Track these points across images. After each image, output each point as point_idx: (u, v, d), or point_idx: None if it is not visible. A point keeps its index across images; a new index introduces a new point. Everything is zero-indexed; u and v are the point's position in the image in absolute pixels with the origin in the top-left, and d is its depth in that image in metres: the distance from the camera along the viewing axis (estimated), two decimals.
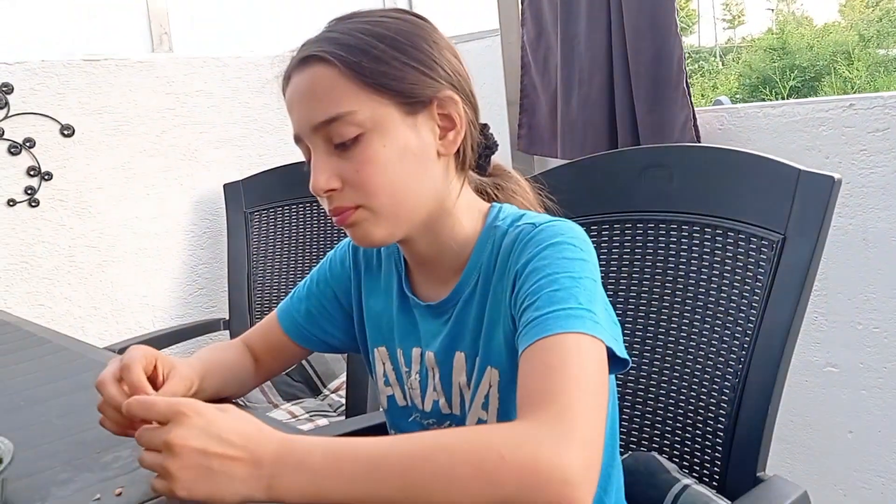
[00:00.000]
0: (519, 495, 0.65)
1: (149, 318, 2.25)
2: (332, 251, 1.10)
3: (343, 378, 2.00)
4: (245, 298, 2.16)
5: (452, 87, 0.86)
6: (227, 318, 2.19)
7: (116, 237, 2.21)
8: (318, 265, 1.12)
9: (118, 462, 0.87)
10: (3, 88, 2.00)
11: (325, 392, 2.09)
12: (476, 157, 0.93)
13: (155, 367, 0.90)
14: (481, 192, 0.96)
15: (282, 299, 1.14)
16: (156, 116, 2.27)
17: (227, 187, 2.26)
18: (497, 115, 2.25)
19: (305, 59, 0.84)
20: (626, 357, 0.77)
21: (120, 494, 0.79)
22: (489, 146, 0.95)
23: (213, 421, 0.68)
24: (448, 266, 0.92)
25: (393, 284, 1.00)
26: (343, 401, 2.01)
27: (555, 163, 2.14)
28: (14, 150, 2.03)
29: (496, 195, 0.97)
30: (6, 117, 2.01)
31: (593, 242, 1.22)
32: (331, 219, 0.88)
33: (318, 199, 0.87)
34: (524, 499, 0.65)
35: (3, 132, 2.01)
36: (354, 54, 0.82)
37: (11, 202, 2.03)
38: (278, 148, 2.49)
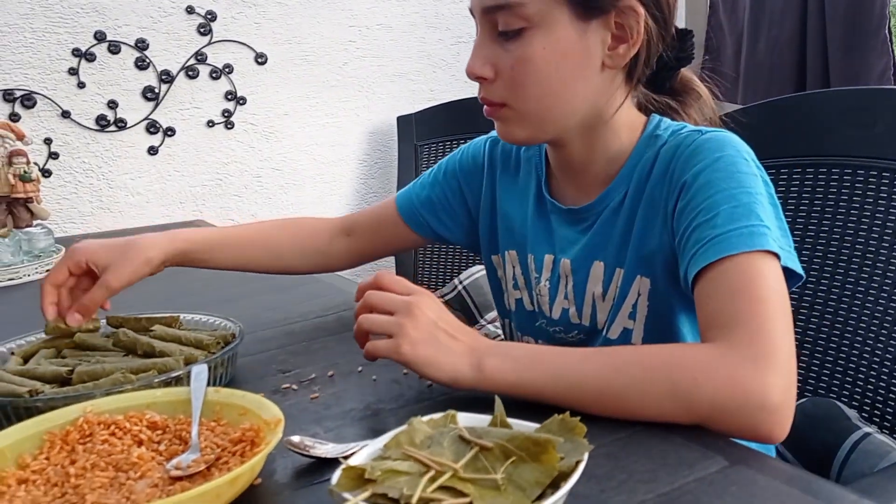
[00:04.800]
0: (712, 418, 0.67)
1: None
2: (467, 144, 1.10)
3: None
4: None
5: None
6: None
7: (298, 161, 2.36)
8: (449, 156, 1.12)
9: (326, 350, 0.97)
10: (208, 16, 2.17)
11: (482, 322, 2.16)
12: (654, 71, 0.89)
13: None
14: (647, 106, 0.92)
15: None
16: (338, 48, 2.38)
17: (400, 120, 2.35)
18: None
19: None
20: (802, 273, 0.76)
21: (332, 376, 0.88)
22: (681, 58, 0.90)
23: (445, 309, 0.77)
24: (597, 173, 0.91)
25: (530, 188, 0.99)
26: (500, 331, 2.09)
27: (732, 108, 2.07)
28: (215, 74, 2.20)
29: (668, 113, 0.93)
30: (209, 43, 2.18)
31: (781, 187, 1.20)
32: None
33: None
34: (718, 422, 0.67)
35: (206, 57, 2.18)
36: None
37: (210, 123, 2.21)
38: (450, 84, 2.54)
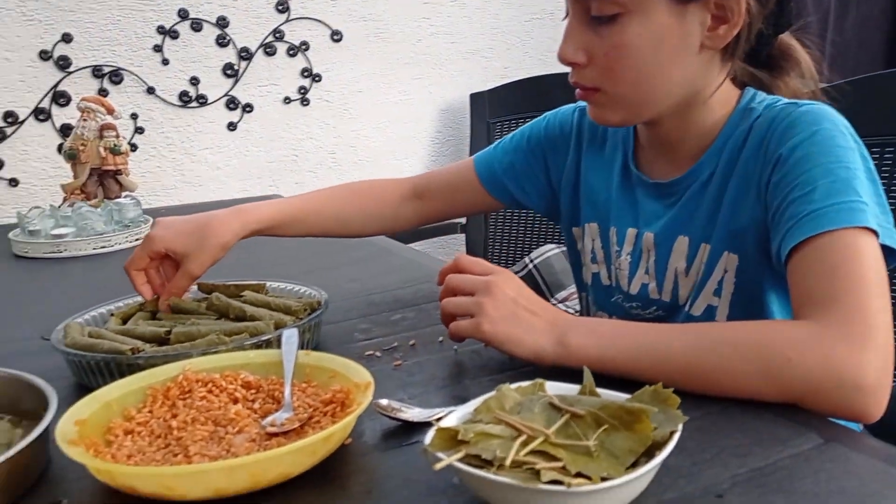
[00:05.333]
0: (805, 397, 0.66)
1: None
2: (553, 112, 1.08)
3: (571, 289, 2.05)
4: None
5: None
6: (464, 222, 2.31)
7: (371, 138, 2.39)
8: (532, 122, 1.10)
9: (406, 321, 0.99)
10: None
11: (553, 301, 2.16)
12: (753, 45, 0.86)
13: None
14: (741, 79, 0.89)
15: None
16: (412, 25, 2.39)
17: (473, 97, 2.35)
18: None
19: None
20: None
21: (414, 345, 0.90)
22: (779, 24, 0.86)
23: (524, 286, 0.78)
24: (688, 148, 0.90)
25: (616, 161, 0.98)
26: (570, 311, 2.08)
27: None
28: (292, 52, 2.24)
29: (764, 84, 0.89)
30: (287, 21, 2.21)
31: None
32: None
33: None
34: (811, 402, 0.66)
35: (284, 35, 2.22)
36: None
37: (287, 100, 2.25)
38: (523, 61, 2.53)
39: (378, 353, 0.87)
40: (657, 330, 0.73)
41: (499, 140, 1.13)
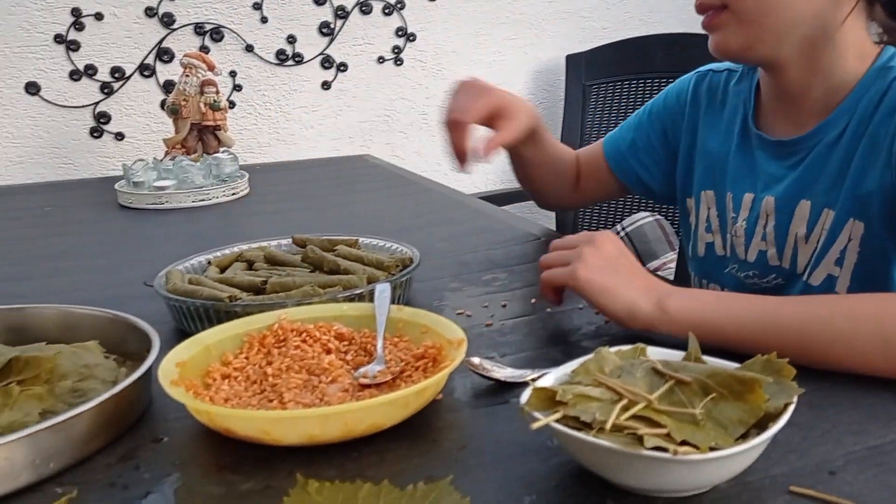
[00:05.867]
0: None
1: (482, 180, 2.41)
2: (673, 83, 1.07)
3: (664, 259, 2.00)
4: None
5: None
6: None
7: None
8: (654, 98, 1.10)
9: (497, 281, 0.97)
10: None
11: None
12: None
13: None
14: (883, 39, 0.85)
15: None
16: None
17: (569, 59, 2.29)
18: None
19: None
20: None
21: (505, 306, 0.88)
22: None
23: (628, 252, 0.77)
24: (814, 103, 0.85)
25: (736, 122, 0.95)
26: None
27: None
28: (387, 11, 2.22)
29: None
30: None
31: None
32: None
33: None
34: None
35: None
36: None
37: (381, 59, 2.25)
38: (623, 21, 2.44)
39: (469, 313, 0.86)
40: (764, 298, 0.70)
41: (625, 120, 1.13)
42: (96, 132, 1.99)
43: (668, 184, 1.07)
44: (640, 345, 0.60)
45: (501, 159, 2.48)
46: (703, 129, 0.99)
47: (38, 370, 0.66)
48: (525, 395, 0.53)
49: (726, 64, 0.99)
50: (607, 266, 0.74)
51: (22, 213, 1.48)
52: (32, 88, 1.91)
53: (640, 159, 1.08)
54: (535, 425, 0.50)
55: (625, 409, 0.50)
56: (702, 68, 1.01)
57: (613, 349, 0.59)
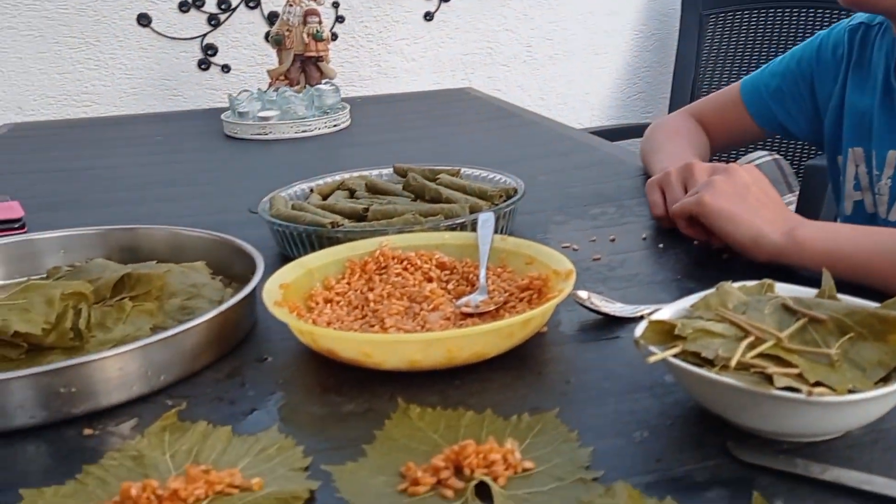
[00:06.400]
0: None
1: (587, 115, 2.33)
2: (826, 31, 1.01)
3: (785, 200, 1.89)
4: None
5: None
6: None
7: (569, 31, 2.27)
8: (803, 44, 1.04)
9: (606, 215, 0.93)
10: None
11: None
12: None
13: None
14: None
15: None
16: None
17: None
18: None
19: None
20: None
21: (614, 241, 0.84)
22: None
23: (767, 182, 0.74)
24: None
25: (878, 78, 0.90)
26: None
27: None
28: None
29: None
30: None
31: None
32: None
33: None
34: None
35: None
36: None
37: None
38: None
39: (575, 247, 0.83)
40: None
41: (767, 64, 1.08)
42: (204, 64, 2.02)
43: (813, 132, 1.03)
44: (768, 281, 0.55)
45: (608, 93, 2.38)
46: (851, 87, 0.95)
47: (149, 287, 0.67)
48: (640, 328, 0.50)
49: (879, 17, 0.94)
50: (736, 193, 0.72)
51: (135, 142, 1.52)
52: (144, 20, 1.95)
53: (785, 107, 1.03)
54: (652, 359, 0.47)
55: (751, 346, 0.47)
56: (853, 20, 0.96)
57: (737, 284, 0.55)
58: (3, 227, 0.89)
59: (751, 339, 0.47)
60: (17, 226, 0.91)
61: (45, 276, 0.73)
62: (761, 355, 0.46)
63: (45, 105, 1.96)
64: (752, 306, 0.51)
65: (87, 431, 0.52)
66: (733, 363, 0.45)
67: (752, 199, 0.71)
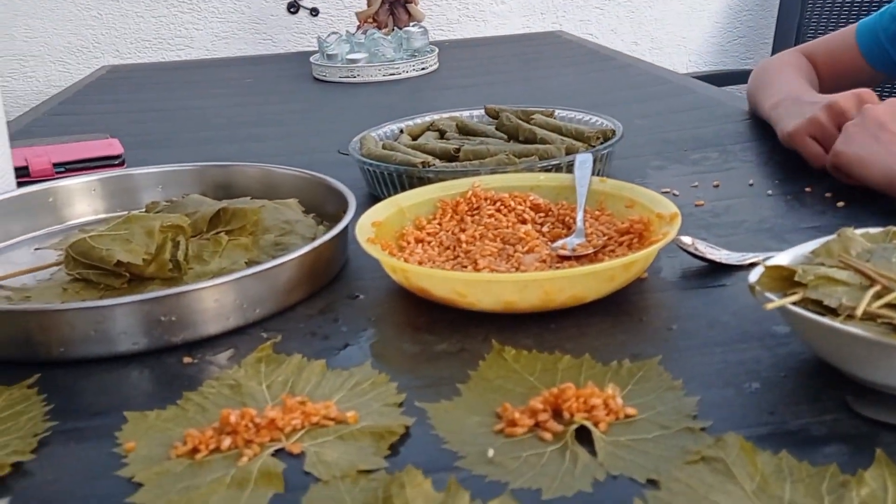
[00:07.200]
0: None
1: (682, 61, 2.23)
2: None
3: None
4: None
5: None
6: None
7: None
8: None
9: (708, 161, 0.88)
10: None
11: None
12: None
13: None
14: None
15: None
16: None
17: None
18: None
19: None
20: None
21: (717, 186, 0.80)
22: None
23: None
24: None
25: None
26: None
27: None
28: None
29: None
30: None
31: None
32: None
33: None
34: None
35: None
36: None
37: None
38: None
39: (675, 192, 0.79)
40: None
41: (885, 6, 1.01)
42: (293, 7, 2.02)
43: None
44: (893, 228, 0.51)
45: (706, 38, 2.27)
46: None
47: (243, 221, 0.68)
48: (756, 274, 0.47)
49: None
50: (867, 135, 0.69)
51: (226, 84, 1.54)
52: None
53: None
54: (770, 306, 0.44)
55: (877, 296, 0.43)
56: None
57: (859, 231, 0.51)
58: (103, 164, 0.91)
59: (877, 287, 0.43)
60: (116, 162, 0.93)
61: (143, 210, 0.75)
62: (888, 305, 0.42)
63: (140, 48, 2.00)
64: (877, 254, 0.47)
65: (186, 360, 0.53)
66: (859, 312, 0.42)
67: (886, 137, 0.68)
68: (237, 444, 0.43)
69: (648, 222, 0.62)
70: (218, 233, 0.67)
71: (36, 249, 0.71)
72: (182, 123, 1.23)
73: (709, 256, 0.61)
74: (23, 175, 0.86)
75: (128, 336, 0.53)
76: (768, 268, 0.46)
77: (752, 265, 0.61)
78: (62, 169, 0.89)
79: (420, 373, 0.51)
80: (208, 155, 0.97)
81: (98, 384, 0.51)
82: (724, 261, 0.61)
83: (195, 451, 0.42)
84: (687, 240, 0.63)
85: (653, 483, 0.38)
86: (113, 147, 0.95)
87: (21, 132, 1.17)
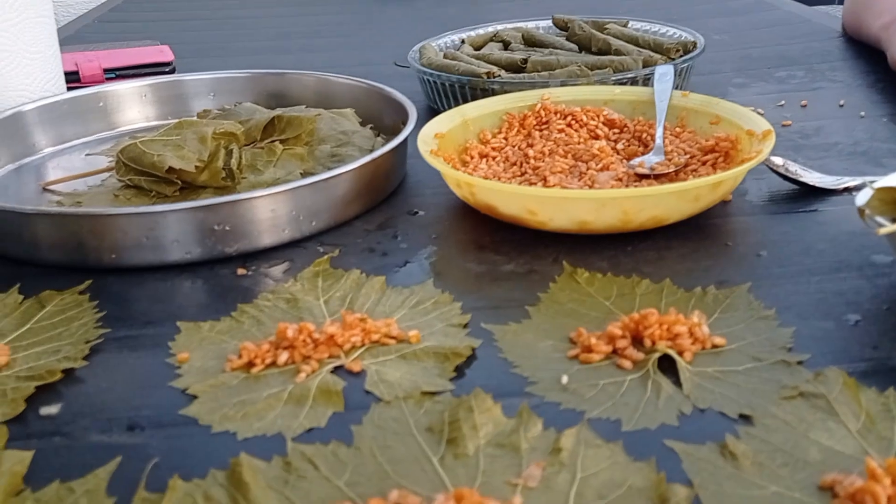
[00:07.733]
0: None
1: None
2: None
3: None
4: None
5: None
6: None
7: None
8: None
9: (794, 79, 0.82)
10: None
11: None
12: None
13: None
14: None
15: None
16: None
17: None
18: None
19: None
20: None
21: (805, 106, 0.74)
22: None
23: None
24: None
25: None
26: None
27: None
28: None
29: None
30: None
31: None
32: None
33: None
34: None
35: None
36: None
37: None
38: None
39: (760, 111, 0.73)
40: None
41: None
42: None
43: None
44: None
45: None
46: None
47: (299, 130, 0.64)
48: (864, 196, 0.42)
49: None
50: None
51: None
52: None
53: None
54: (882, 231, 0.39)
55: None
56: None
57: None
58: (154, 70, 0.88)
59: None
60: (167, 69, 0.90)
61: (195, 118, 0.72)
62: None
63: None
64: None
65: (241, 271, 0.51)
66: None
67: None
68: (294, 359, 0.40)
69: (736, 140, 0.57)
70: (272, 141, 0.64)
71: (87, 155, 0.69)
72: (233, 32, 1.19)
73: (802, 179, 0.56)
74: (73, 80, 0.83)
75: (180, 245, 0.51)
76: (879, 189, 0.42)
77: (847, 189, 0.56)
78: (113, 75, 0.87)
79: (485, 294, 0.47)
80: (260, 64, 0.93)
81: (151, 293, 0.49)
82: (817, 184, 0.56)
83: (251, 364, 0.40)
84: (778, 160, 0.58)
85: (745, 419, 0.35)
86: (164, 54, 0.92)
87: (71, 38, 1.14)
